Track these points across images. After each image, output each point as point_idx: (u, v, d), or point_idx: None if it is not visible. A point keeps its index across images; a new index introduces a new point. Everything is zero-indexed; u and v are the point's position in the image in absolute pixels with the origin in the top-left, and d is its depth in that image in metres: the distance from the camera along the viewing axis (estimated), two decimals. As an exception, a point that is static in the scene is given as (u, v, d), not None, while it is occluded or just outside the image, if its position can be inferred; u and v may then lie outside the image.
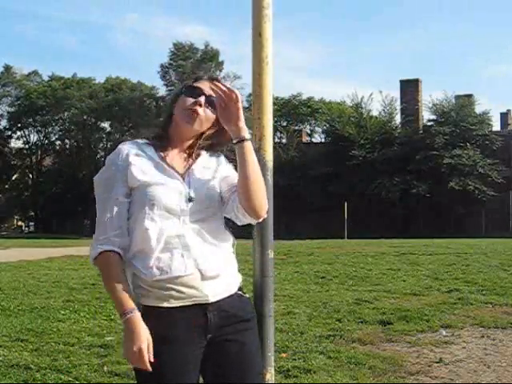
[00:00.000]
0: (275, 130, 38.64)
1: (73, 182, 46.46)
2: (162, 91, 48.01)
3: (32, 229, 52.09)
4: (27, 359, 4.79)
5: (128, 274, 1.99)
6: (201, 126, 2.06)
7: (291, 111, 47.45)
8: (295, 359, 4.78)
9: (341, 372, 4.45)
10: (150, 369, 1.88)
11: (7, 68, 50.45)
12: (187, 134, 2.08)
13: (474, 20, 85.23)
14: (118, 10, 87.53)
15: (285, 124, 47.90)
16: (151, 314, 1.94)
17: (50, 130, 51.59)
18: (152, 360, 1.89)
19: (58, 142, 52.71)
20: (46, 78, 50.98)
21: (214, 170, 2.10)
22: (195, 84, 2.08)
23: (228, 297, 2.03)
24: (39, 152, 51.76)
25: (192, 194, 2.00)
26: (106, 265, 1.96)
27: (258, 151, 2.25)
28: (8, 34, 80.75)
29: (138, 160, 2.01)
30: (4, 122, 51.38)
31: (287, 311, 6.74)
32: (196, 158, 2.09)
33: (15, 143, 52.61)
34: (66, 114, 49.54)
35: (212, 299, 1.98)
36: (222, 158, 2.16)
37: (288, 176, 35.46)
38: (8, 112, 50.77)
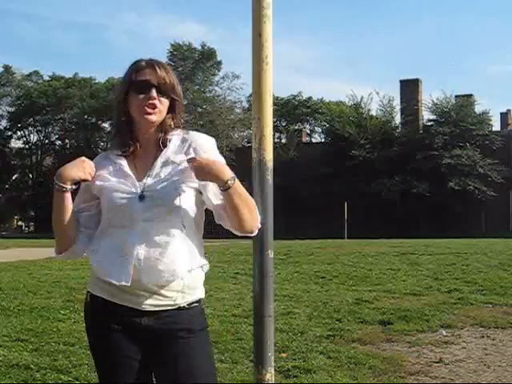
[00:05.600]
0: (275, 129, 38.64)
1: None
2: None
3: (32, 229, 52.07)
4: (27, 359, 4.79)
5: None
6: (160, 115, 2.08)
7: (291, 111, 47.46)
8: (295, 359, 4.78)
9: (341, 372, 4.45)
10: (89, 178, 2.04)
11: (7, 68, 50.43)
12: (149, 126, 2.08)
13: (474, 19, 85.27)
14: (116, 9, 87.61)
15: (285, 124, 47.92)
16: (94, 302, 2.07)
17: (50, 129, 51.59)
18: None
19: (58, 142, 52.73)
20: (46, 79, 51.00)
21: (178, 163, 2.04)
22: (139, 78, 2.06)
23: (170, 310, 2.02)
24: (39, 152, 51.75)
25: (145, 193, 1.99)
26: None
27: (258, 151, 2.25)
28: (8, 35, 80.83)
29: (100, 168, 2.09)
30: (4, 122, 51.47)
31: (287, 311, 6.74)
32: (163, 149, 2.06)
33: (15, 143, 52.71)
34: (66, 113, 49.56)
35: (147, 308, 2.00)
36: (197, 147, 2.07)
37: (288, 176, 35.46)
38: (8, 112, 50.77)
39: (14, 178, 52.89)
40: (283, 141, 44.42)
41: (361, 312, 6.66)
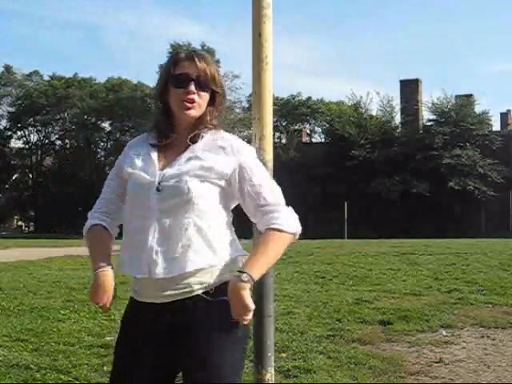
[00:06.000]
0: (275, 129, 38.62)
1: (73, 182, 46.46)
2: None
3: (32, 229, 52.07)
4: (27, 359, 4.78)
5: None
6: (200, 109, 2.03)
7: (291, 111, 47.47)
8: (295, 359, 4.77)
9: (341, 372, 4.45)
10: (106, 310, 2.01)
11: (7, 68, 50.43)
12: (189, 121, 2.04)
13: (475, 20, 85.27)
14: (116, 9, 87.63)
15: (285, 124, 47.93)
16: (129, 303, 2.09)
17: (50, 129, 51.60)
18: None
19: (58, 142, 52.74)
20: (46, 79, 51.00)
21: (203, 159, 1.98)
22: (178, 71, 2.02)
23: (187, 298, 1.95)
24: (39, 152, 51.75)
25: (162, 184, 1.94)
26: (89, 234, 2.09)
27: (258, 151, 2.25)
28: (8, 35, 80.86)
29: (132, 153, 2.06)
30: (4, 122, 51.48)
31: (287, 311, 6.73)
32: (193, 144, 2.01)
33: (15, 143, 52.71)
34: (66, 113, 49.57)
35: (165, 300, 1.95)
36: (223, 144, 2.02)
37: (288, 176, 35.45)
38: (8, 112, 50.76)
39: (14, 178, 52.89)
40: (283, 141, 44.43)
41: (361, 312, 6.66)
